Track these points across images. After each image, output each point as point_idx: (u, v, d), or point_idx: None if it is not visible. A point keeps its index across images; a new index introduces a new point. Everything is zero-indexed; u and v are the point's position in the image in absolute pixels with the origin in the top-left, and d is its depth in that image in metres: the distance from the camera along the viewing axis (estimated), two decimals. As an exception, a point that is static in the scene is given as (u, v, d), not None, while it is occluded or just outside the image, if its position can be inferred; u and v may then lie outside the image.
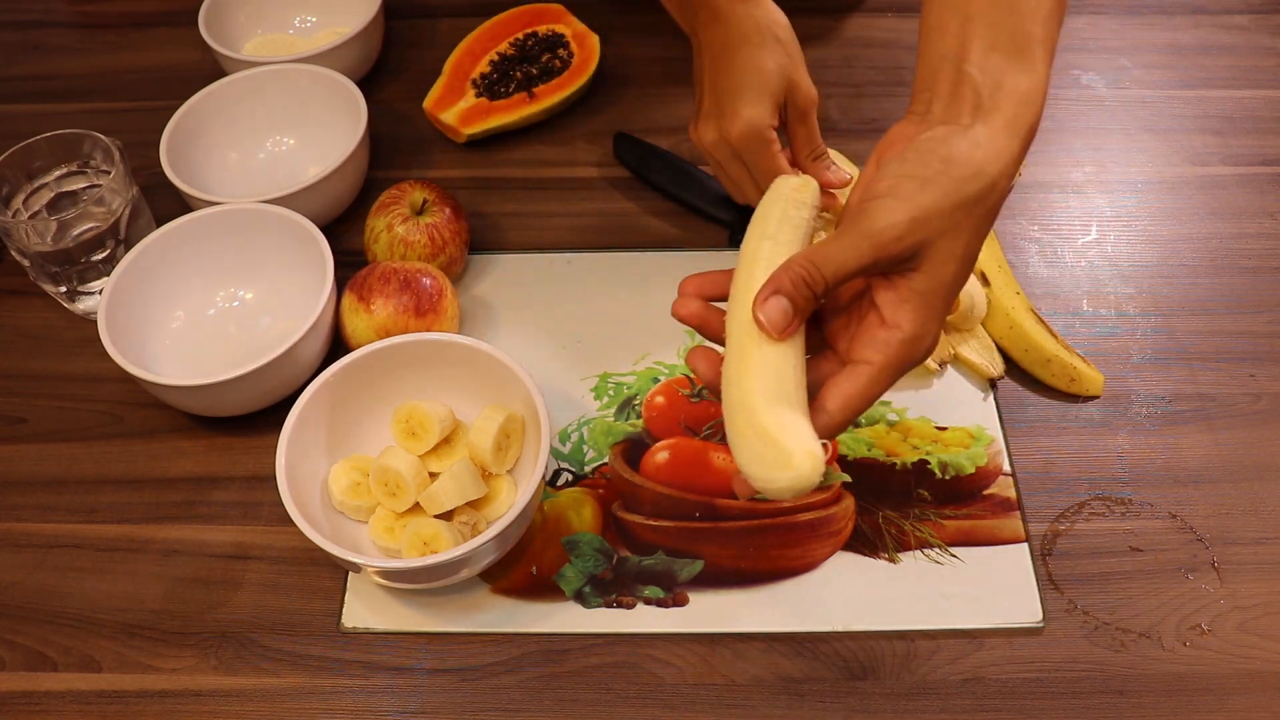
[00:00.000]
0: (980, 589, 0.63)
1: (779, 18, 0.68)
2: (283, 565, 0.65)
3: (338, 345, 0.73)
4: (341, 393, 0.66)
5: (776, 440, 0.44)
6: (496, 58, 0.89)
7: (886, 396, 0.68)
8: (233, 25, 0.92)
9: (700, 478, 0.68)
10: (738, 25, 0.66)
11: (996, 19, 0.50)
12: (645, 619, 0.62)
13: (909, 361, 0.49)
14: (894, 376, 0.49)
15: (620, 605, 0.63)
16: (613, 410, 0.71)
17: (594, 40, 0.89)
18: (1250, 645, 0.61)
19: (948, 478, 0.68)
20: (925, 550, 0.65)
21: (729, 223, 0.78)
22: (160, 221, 0.76)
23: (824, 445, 0.45)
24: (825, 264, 0.47)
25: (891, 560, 0.64)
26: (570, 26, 0.91)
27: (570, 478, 0.69)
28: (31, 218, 0.76)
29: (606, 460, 0.69)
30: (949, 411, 0.71)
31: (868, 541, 0.65)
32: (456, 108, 0.87)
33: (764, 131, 0.65)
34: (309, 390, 0.64)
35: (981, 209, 0.48)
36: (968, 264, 0.49)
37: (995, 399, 0.71)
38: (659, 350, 0.74)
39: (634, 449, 0.70)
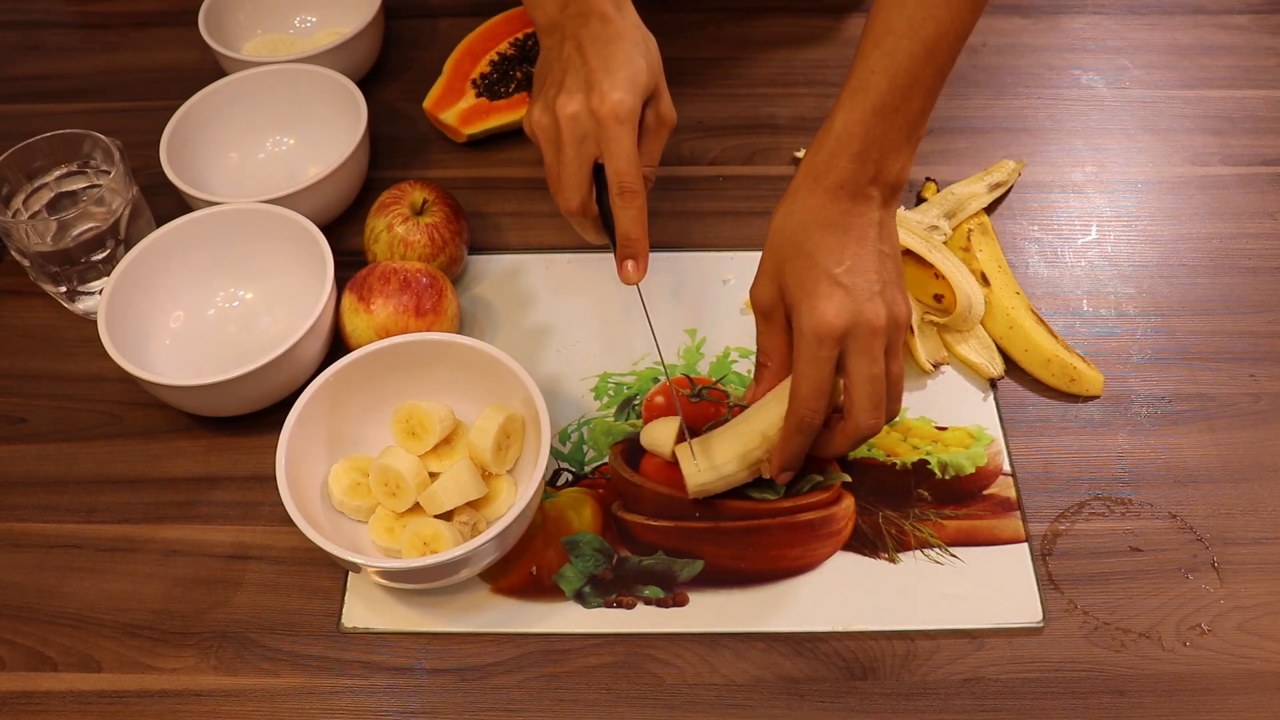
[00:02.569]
0: (980, 589, 0.63)
1: (650, 35, 0.68)
2: (283, 565, 0.65)
3: (338, 345, 0.73)
4: (341, 393, 0.66)
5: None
6: (496, 58, 0.89)
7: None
8: (233, 25, 0.92)
9: (700, 478, 0.68)
10: (615, 24, 0.65)
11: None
12: (645, 619, 0.62)
13: (819, 332, 0.59)
14: (821, 349, 0.59)
15: (620, 605, 0.63)
16: (613, 410, 0.71)
17: (594, 40, 0.89)
18: (1250, 645, 0.61)
19: (948, 478, 0.68)
20: (925, 550, 0.65)
21: None
22: (160, 221, 0.76)
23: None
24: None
25: (891, 560, 0.64)
26: (570, 26, 0.91)
27: (570, 478, 0.68)
28: (31, 218, 0.76)
29: (606, 460, 0.69)
30: (949, 411, 0.71)
31: (868, 541, 0.65)
32: (456, 108, 0.87)
33: (633, 112, 0.64)
34: (309, 390, 0.64)
35: (776, 241, 0.62)
36: (813, 267, 0.60)
37: (995, 399, 0.71)
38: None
39: (634, 449, 0.69)
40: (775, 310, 0.63)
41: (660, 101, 0.67)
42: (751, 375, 0.73)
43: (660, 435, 0.68)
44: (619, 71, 0.63)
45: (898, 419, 0.69)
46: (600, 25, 0.65)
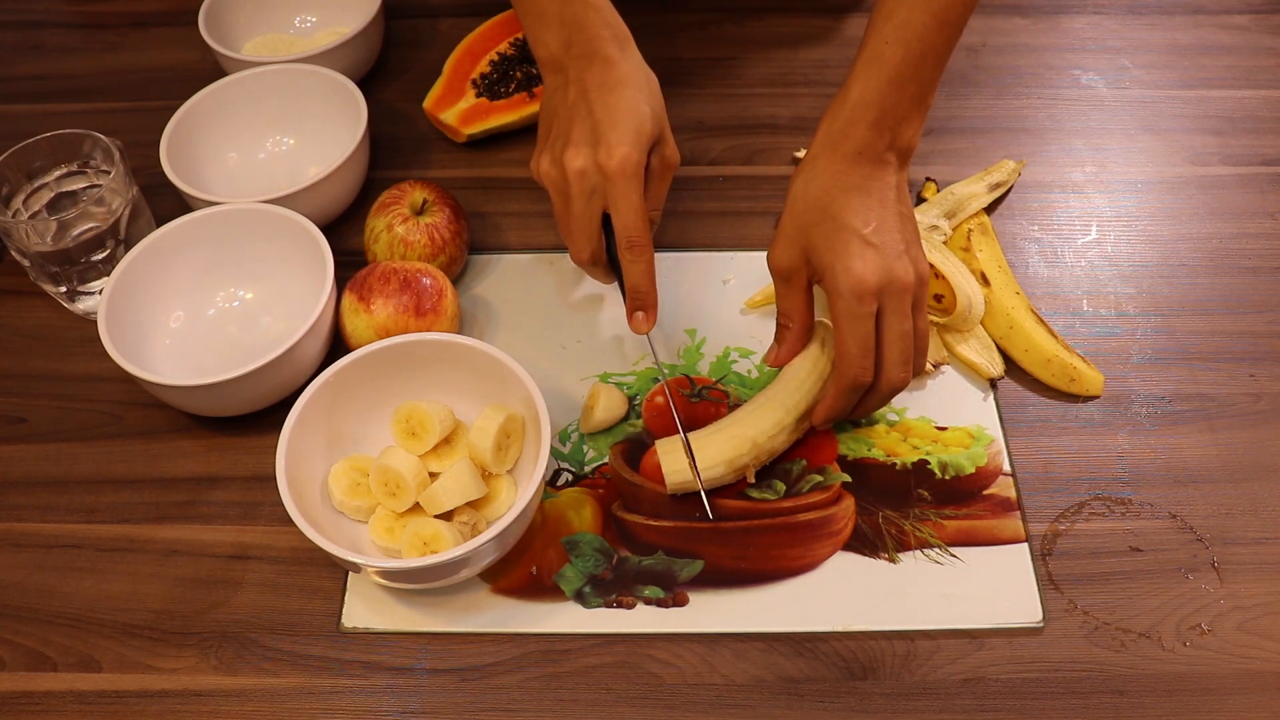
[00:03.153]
0: (980, 589, 0.63)
1: (653, 75, 0.69)
2: (283, 565, 0.65)
3: (338, 345, 0.73)
4: (341, 393, 0.66)
5: None
6: (496, 58, 0.89)
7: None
8: (233, 25, 0.92)
9: (700, 478, 0.68)
10: (618, 68, 0.66)
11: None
12: (645, 619, 0.62)
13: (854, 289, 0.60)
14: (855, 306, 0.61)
15: (620, 605, 0.63)
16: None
17: (594, 40, 0.89)
18: (1250, 645, 0.61)
19: (948, 478, 0.68)
20: (925, 550, 0.65)
21: None
22: (160, 221, 0.76)
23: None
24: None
25: (891, 560, 0.64)
26: (570, 26, 0.91)
27: (570, 478, 0.68)
28: (31, 218, 0.76)
29: (606, 460, 0.69)
30: (949, 411, 0.71)
31: (868, 541, 0.65)
32: (456, 108, 0.87)
33: (640, 166, 0.64)
34: (309, 390, 0.64)
35: (799, 207, 0.63)
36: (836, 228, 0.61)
37: (995, 399, 0.71)
38: (659, 350, 0.74)
39: (634, 449, 0.69)
40: (797, 273, 0.64)
41: (665, 146, 0.68)
42: (752, 375, 0.73)
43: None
44: (624, 123, 0.64)
45: (924, 376, 0.71)
46: (604, 70, 0.65)
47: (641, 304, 0.67)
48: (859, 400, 0.65)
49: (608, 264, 0.69)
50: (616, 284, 0.70)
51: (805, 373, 0.67)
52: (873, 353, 0.62)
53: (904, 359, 0.63)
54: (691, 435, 0.66)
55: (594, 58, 0.66)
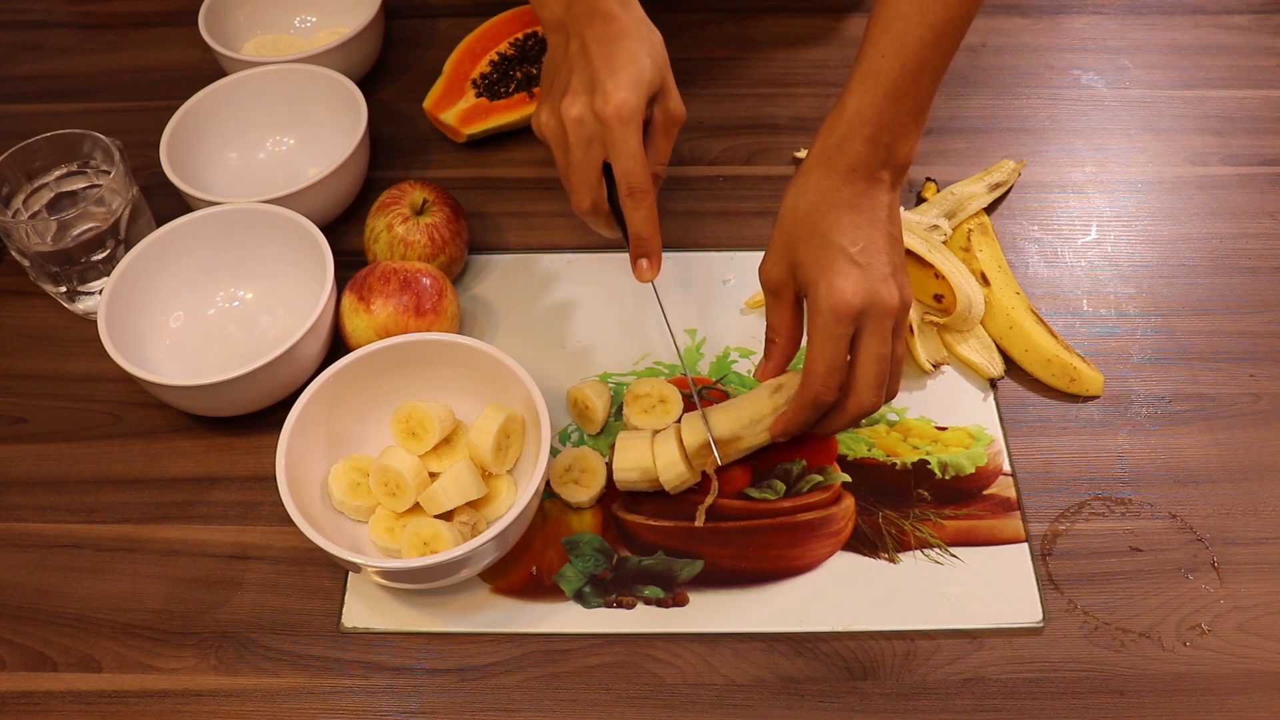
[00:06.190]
0: (980, 589, 0.63)
1: (656, 31, 0.68)
2: (283, 565, 0.65)
3: (338, 345, 0.73)
4: (341, 393, 0.66)
5: None
6: (496, 58, 0.89)
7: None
8: (233, 25, 0.92)
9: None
10: (620, 21, 0.66)
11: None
12: (645, 619, 0.62)
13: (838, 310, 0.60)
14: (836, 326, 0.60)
15: (620, 605, 0.63)
16: (613, 410, 0.71)
17: (594, 40, 0.89)
18: (1250, 645, 0.61)
19: (948, 478, 0.68)
20: (925, 550, 0.65)
21: None
22: (160, 221, 0.76)
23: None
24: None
25: (891, 560, 0.64)
26: (570, 26, 0.91)
27: (570, 478, 0.68)
28: (31, 218, 0.76)
29: (607, 460, 0.69)
30: (949, 411, 0.71)
31: (868, 541, 0.65)
32: (456, 108, 0.87)
33: (638, 112, 0.64)
34: (309, 390, 0.64)
35: (789, 220, 0.62)
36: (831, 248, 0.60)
37: (995, 399, 0.71)
38: (659, 350, 0.74)
39: (634, 449, 0.69)
40: (785, 287, 0.64)
41: (668, 98, 0.67)
42: (752, 375, 0.73)
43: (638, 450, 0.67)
44: (623, 71, 0.63)
45: (892, 401, 0.70)
46: (605, 24, 0.65)
47: (644, 251, 0.67)
48: (822, 418, 0.64)
49: (609, 214, 0.68)
50: (622, 238, 0.69)
51: (737, 410, 0.66)
52: (839, 374, 0.61)
53: (878, 383, 0.62)
54: (622, 437, 0.67)
55: (595, 14, 0.66)
